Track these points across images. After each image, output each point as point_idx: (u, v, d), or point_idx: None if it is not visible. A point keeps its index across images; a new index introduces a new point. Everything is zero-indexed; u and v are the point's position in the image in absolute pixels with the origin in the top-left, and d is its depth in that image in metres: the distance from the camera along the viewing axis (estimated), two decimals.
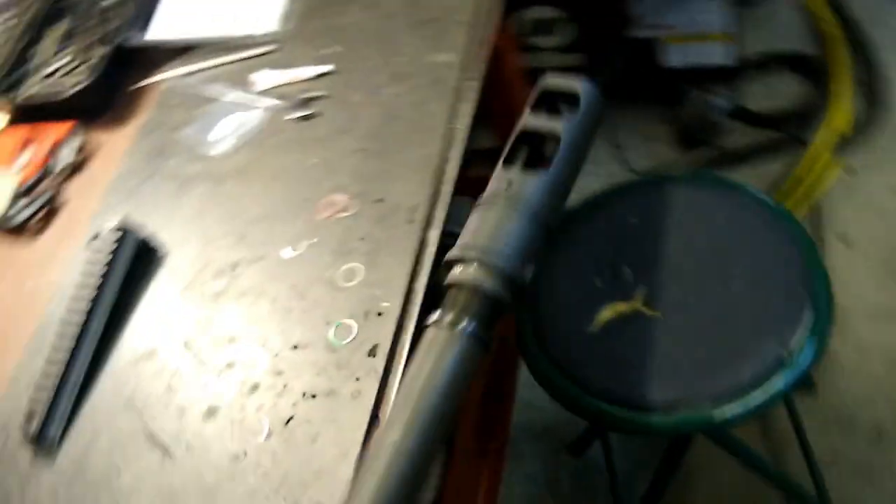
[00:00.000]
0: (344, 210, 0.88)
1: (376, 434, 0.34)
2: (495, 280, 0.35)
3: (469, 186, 1.82)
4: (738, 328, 1.08)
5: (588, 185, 1.95)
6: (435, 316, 0.35)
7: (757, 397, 1.03)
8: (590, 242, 1.24)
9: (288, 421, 0.75)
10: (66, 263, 0.95)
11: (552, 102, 0.39)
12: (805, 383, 1.51)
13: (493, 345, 0.35)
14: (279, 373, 0.80)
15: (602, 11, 1.79)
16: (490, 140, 1.79)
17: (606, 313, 1.18)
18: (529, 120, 0.38)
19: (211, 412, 0.80)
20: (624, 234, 1.24)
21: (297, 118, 0.98)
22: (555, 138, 0.38)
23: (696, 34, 1.85)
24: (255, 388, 0.80)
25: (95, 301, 0.87)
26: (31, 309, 0.94)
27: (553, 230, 0.37)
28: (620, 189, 1.30)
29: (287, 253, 0.87)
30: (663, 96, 1.96)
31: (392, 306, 0.77)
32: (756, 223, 1.16)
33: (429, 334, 0.35)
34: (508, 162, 0.38)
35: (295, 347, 0.81)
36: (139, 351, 0.86)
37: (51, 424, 0.82)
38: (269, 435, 0.77)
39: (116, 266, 0.89)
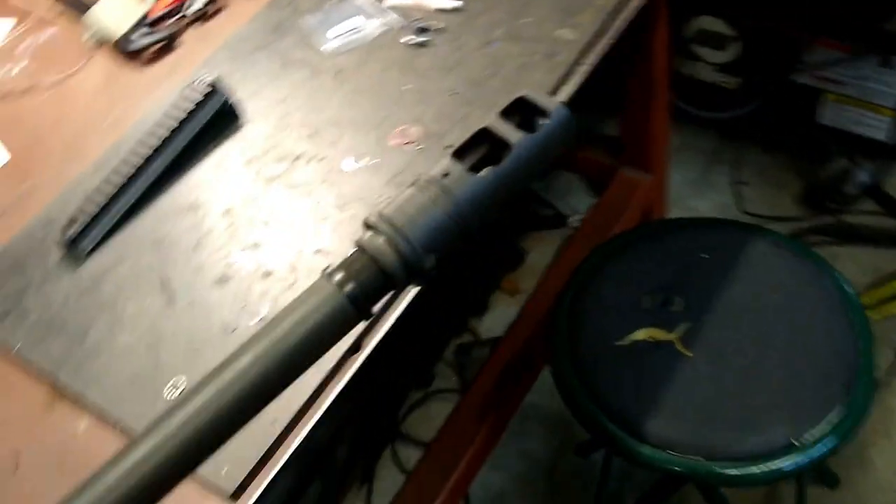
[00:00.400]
0: (414, 143, 0.90)
1: (229, 356, 0.35)
2: (396, 261, 0.36)
3: (579, 166, 1.81)
4: (760, 396, 1.06)
5: (694, 204, 1.91)
6: (330, 268, 0.36)
7: (754, 470, 1.01)
8: (656, 260, 1.23)
9: None
10: (158, 100, 1.00)
11: (528, 114, 0.39)
12: (824, 476, 1.46)
13: (368, 316, 0.36)
14: (294, 269, 0.83)
15: (774, 45, 1.71)
16: (613, 129, 1.77)
17: (641, 334, 1.17)
18: (493, 121, 0.38)
19: (222, 280, 0.84)
20: (691, 267, 1.21)
21: (410, 42, 0.99)
22: (508, 148, 0.38)
23: (862, 100, 1.76)
24: (268, 274, 0.83)
25: (166, 142, 0.91)
26: (113, 129, 1.00)
27: (474, 233, 0.38)
28: (711, 222, 1.27)
29: (348, 163, 0.90)
30: (805, 149, 1.88)
31: None
32: (825, 305, 1.12)
33: (317, 282, 0.36)
34: (458, 155, 0.38)
35: (317, 252, 0.83)
36: (185, 202, 0.91)
37: (86, 236, 0.88)
38: (262, 321, 0.80)
39: (196, 118, 0.93)
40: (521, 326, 1.65)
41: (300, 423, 0.76)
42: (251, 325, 0.80)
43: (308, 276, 0.81)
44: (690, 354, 1.12)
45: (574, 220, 1.95)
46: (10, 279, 0.88)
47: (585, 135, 1.91)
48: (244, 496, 0.72)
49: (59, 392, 0.80)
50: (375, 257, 0.36)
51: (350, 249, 0.82)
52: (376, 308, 0.37)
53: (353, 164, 0.89)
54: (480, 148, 0.38)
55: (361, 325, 0.78)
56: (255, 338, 0.35)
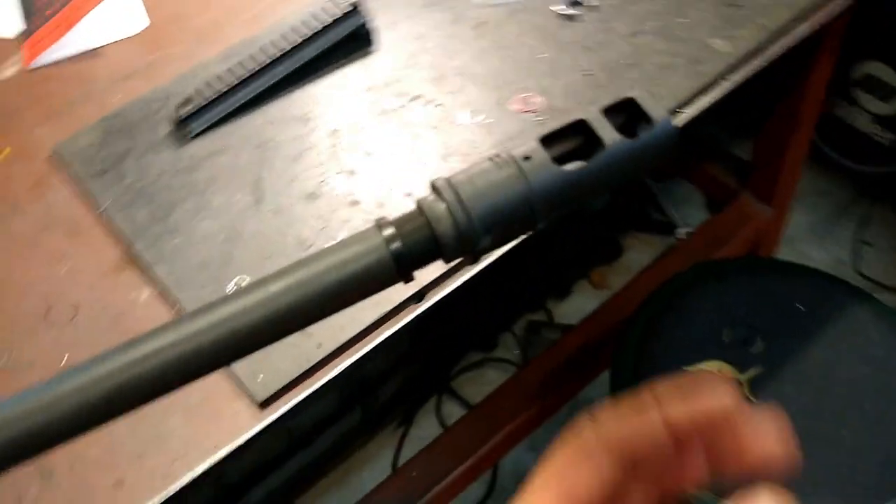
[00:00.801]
0: (534, 113, 0.88)
1: (268, 276, 0.35)
2: (451, 232, 0.34)
3: (701, 179, 1.74)
4: (815, 468, 1.01)
5: (807, 250, 1.83)
6: (383, 220, 0.35)
7: None
8: (749, 296, 1.18)
9: None
10: (299, 7, 1.01)
11: (632, 117, 0.37)
12: None
13: (408, 279, 0.35)
14: (381, 205, 0.82)
15: None
16: (745, 152, 1.70)
17: (711, 365, 1.13)
18: (593, 116, 0.36)
19: (311, 197, 0.84)
20: (783, 313, 1.16)
21: (559, 12, 0.97)
22: (600, 147, 0.36)
23: None
24: (355, 203, 0.83)
25: (295, 49, 0.92)
26: (251, 24, 1.01)
27: (538, 225, 0.36)
28: (819, 274, 1.22)
29: (463, 116, 0.88)
30: None
31: None
32: None
33: (367, 231, 0.35)
34: (546, 141, 0.36)
35: (407, 195, 0.83)
36: (297, 112, 0.91)
37: (196, 119, 0.90)
38: None
39: (331, 33, 0.93)
40: (596, 321, 1.62)
41: (344, 355, 0.76)
42: (324, 246, 0.80)
43: (391, 215, 0.81)
44: (754, 401, 1.08)
45: (681, 232, 1.89)
46: (117, 140, 0.90)
47: (715, 150, 1.84)
48: (272, 407, 0.73)
49: (131, 259, 0.82)
50: (431, 222, 0.34)
51: None
52: (418, 273, 0.36)
53: (468, 119, 0.88)
54: (572, 139, 0.36)
55: (432, 275, 0.78)
56: (291, 268, 0.34)
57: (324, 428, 1.75)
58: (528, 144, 0.35)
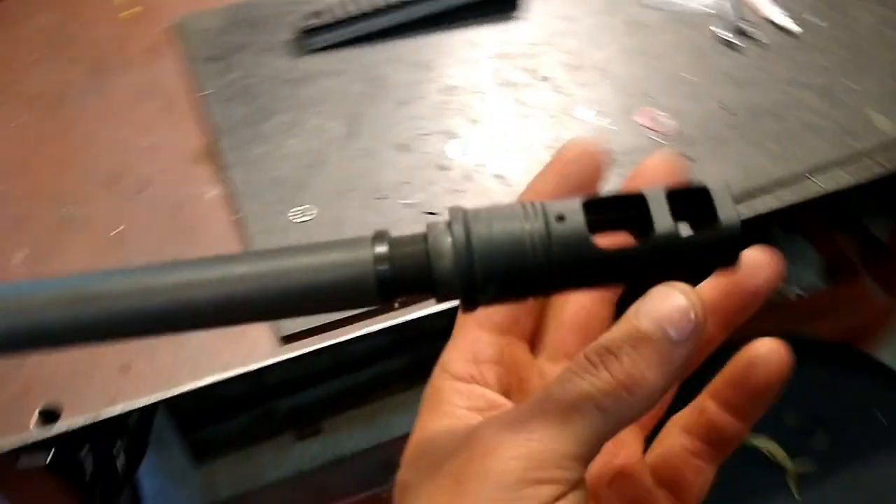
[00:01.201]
0: (658, 133, 0.82)
1: (241, 255, 0.31)
2: (449, 274, 0.30)
3: (823, 242, 1.64)
4: None
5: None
6: (380, 234, 0.31)
7: None
8: (830, 385, 1.10)
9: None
10: None
11: (696, 209, 0.31)
12: None
13: (390, 305, 0.32)
14: (468, 178, 0.79)
15: None
16: (880, 231, 1.58)
17: (762, 442, 1.06)
18: (654, 195, 0.31)
19: (403, 147, 0.81)
20: (859, 416, 1.08)
21: (720, 36, 0.89)
22: (648, 233, 0.31)
23: None
24: (443, 168, 0.80)
25: None
26: None
27: (549, 295, 0.32)
28: None
29: (584, 112, 0.83)
30: None
31: None
32: None
33: (359, 240, 0.31)
34: (590, 205, 0.31)
35: (497, 176, 0.79)
36: (420, 58, 0.88)
37: (320, 35, 0.87)
38: (408, 206, 0.77)
39: None
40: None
41: (383, 315, 0.73)
42: (398, 202, 0.77)
43: (476, 194, 0.77)
44: (798, 499, 1.01)
45: (789, 290, 1.79)
46: (239, 31, 0.89)
47: (847, 217, 1.72)
48: (294, 345, 0.71)
49: (212, 153, 0.81)
50: (430, 255, 0.31)
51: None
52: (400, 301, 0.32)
53: (588, 116, 0.83)
54: (622, 211, 0.32)
55: None
56: (267, 256, 0.31)
57: (372, 361, 1.75)
58: (569, 202, 0.31)
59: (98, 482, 0.78)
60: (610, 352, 0.32)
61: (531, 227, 0.30)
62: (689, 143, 0.81)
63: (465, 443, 0.32)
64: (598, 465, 0.39)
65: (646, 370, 0.31)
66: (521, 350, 0.39)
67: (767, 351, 0.38)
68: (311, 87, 0.85)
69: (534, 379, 0.39)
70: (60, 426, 0.66)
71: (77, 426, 0.66)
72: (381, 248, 0.30)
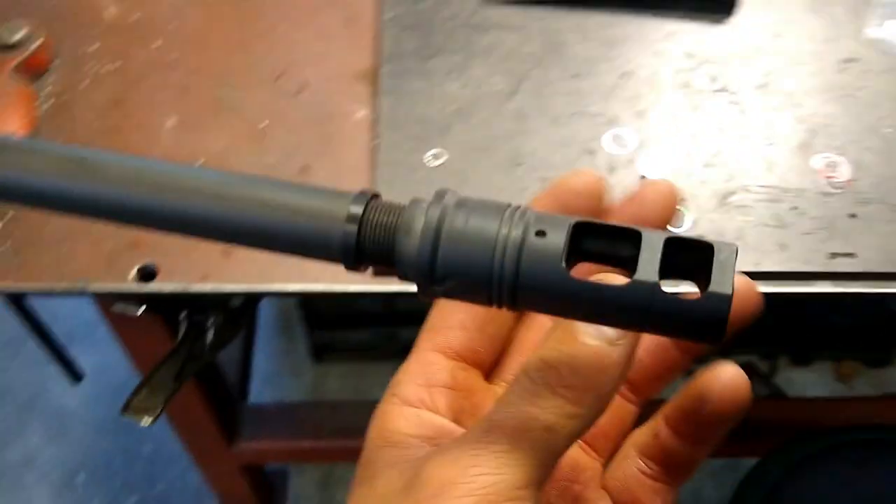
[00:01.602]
0: (827, 178, 0.75)
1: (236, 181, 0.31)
2: (411, 255, 0.29)
3: None
4: None
5: None
6: (361, 195, 0.30)
7: None
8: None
9: None
10: None
11: (694, 266, 0.28)
12: None
13: (354, 267, 0.31)
14: (612, 171, 0.75)
15: None
16: None
17: None
18: (652, 237, 0.28)
19: (556, 122, 0.78)
20: None
21: None
22: (630, 274, 0.28)
23: None
24: (591, 152, 0.77)
25: None
26: None
27: (502, 307, 0.29)
28: None
29: (753, 135, 0.77)
30: None
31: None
32: None
33: (340, 195, 0.30)
34: (580, 229, 0.29)
35: (642, 178, 0.75)
36: (607, 34, 0.84)
37: None
38: (539, 178, 0.75)
39: None
40: (804, 410, 1.46)
41: None
42: (533, 174, 0.75)
43: (613, 188, 0.74)
44: None
45: None
46: None
47: None
48: (387, 280, 0.72)
49: (373, 76, 0.81)
50: (399, 230, 0.29)
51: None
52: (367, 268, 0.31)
53: (758, 141, 0.77)
54: (613, 244, 0.29)
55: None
56: (252, 181, 0.30)
57: None
58: (559, 219, 0.28)
59: (184, 348, 0.83)
60: (549, 366, 0.30)
61: (507, 232, 0.28)
62: (860, 200, 0.74)
63: (412, 483, 0.30)
64: (555, 491, 0.37)
65: (588, 378, 0.30)
66: (476, 377, 0.38)
67: (722, 386, 0.35)
68: (487, 37, 0.83)
69: (487, 404, 0.37)
70: (151, 287, 0.70)
71: (165, 291, 0.70)
72: (356, 209, 0.29)
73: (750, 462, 1.37)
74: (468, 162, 0.76)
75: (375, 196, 0.31)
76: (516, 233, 0.28)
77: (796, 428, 1.36)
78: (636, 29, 0.85)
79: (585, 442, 0.39)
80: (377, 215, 0.30)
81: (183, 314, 0.84)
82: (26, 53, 0.81)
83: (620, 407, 0.39)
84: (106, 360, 1.57)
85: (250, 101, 0.81)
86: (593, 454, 0.39)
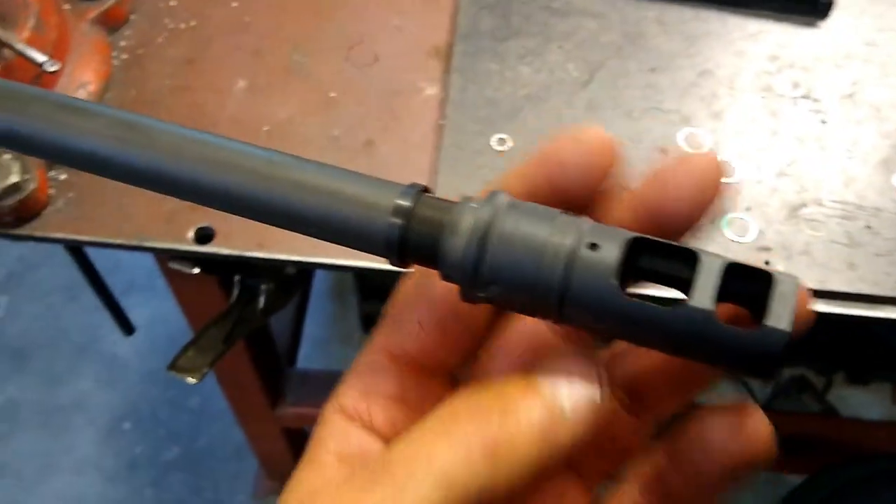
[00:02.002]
0: None
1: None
2: (455, 258, 0.27)
3: None
4: None
5: None
6: (413, 190, 0.29)
7: None
8: None
9: None
10: None
11: (753, 294, 0.26)
12: None
13: (399, 263, 0.29)
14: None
15: None
16: None
17: None
18: (710, 261, 0.26)
19: (631, 116, 0.76)
20: None
21: None
22: (684, 297, 0.26)
23: None
24: (663, 151, 0.74)
25: None
26: None
27: (553, 320, 0.28)
28: None
29: (838, 150, 0.74)
30: None
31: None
32: None
33: (391, 186, 0.29)
34: (636, 245, 0.27)
35: None
36: (690, 30, 0.81)
37: None
38: None
39: None
40: (856, 430, 1.42)
41: None
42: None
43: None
44: None
45: None
46: None
47: None
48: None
49: (445, 53, 0.80)
50: (446, 230, 0.28)
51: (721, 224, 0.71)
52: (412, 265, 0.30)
53: (838, 154, 0.74)
54: (662, 261, 0.27)
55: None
56: (296, 166, 0.29)
57: None
58: (614, 234, 0.27)
59: (235, 311, 0.83)
60: (482, 407, 0.26)
61: (557, 243, 0.27)
62: None
63: None
64: None
65: (520, 441, 0.26)
66: (435, 385, 0.32)
67: (725, 437, 0.28)
68: (566, 22, 0.82)
69: None
70: (207, 249, 0.70)
71: (220, 254, 0.70)
72: (404, 202, 0.28)
73: (792, 479, 1.34)
74: (534, 150, 0.74)
75: (425, 190, 0.29)
76: (568, 242, 0.27)
77: (847, 449, 1.33)
78: (719, 26, 0.82)
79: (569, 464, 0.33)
80: (425, 210, 0.28)
81: (237, 278, 0.84)
82: (106, 5, 0.81)
83: (620, 422, 0.33)
84: (162, 311, 1.60)
85: (321, 70, 0.80)
86: (583, 481, 0.33)
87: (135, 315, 1.74)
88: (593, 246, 0.26)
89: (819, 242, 0.69)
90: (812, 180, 0.72)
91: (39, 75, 0.73)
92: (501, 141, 0.75)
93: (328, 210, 0.29)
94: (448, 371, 0.32)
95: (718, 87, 0.78)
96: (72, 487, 1.60)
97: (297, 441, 1.49)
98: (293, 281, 0.86)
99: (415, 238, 0.28)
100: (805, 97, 0.77)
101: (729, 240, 0.70)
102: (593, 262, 0.26)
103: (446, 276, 0.28)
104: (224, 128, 0.76)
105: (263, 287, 0.84)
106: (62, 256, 0.87)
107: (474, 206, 0.28)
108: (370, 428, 0.30)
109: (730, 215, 0.71)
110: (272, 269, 0.83)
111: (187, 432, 1.67)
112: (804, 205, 0.71)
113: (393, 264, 0.29)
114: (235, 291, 0.84)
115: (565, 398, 0.27)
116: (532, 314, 0.28)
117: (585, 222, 0.27)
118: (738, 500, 1.53)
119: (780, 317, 0.25)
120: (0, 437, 1.66)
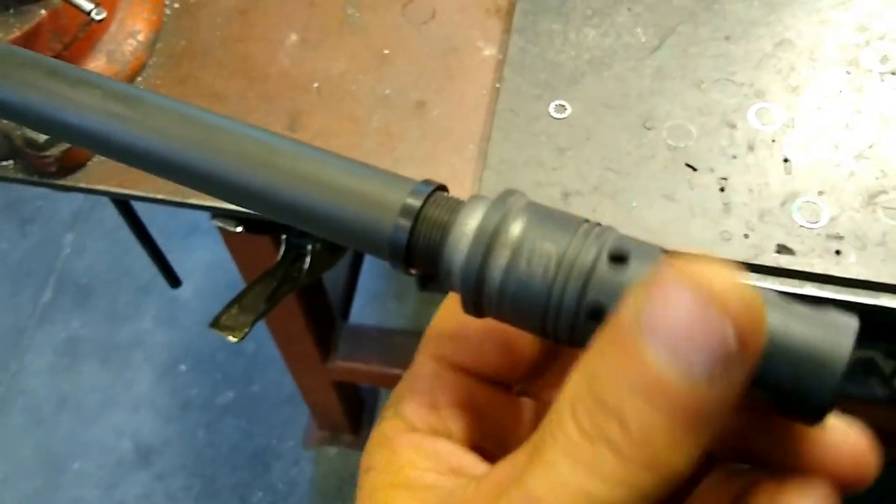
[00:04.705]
0: None
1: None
2: (459, 266, 0.25)
3: None
4: None
5: None
6: (433, 188, 0.26)
7: None
8: None
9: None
10: None
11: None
12: None
13: (403, 269, 0.26)
14: (750, 149, 0.68)
15: None
16: None
17: None
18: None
19: (699, 86, 0.72)
20: None
21: None
22: None
23: None
24: (732, 125, 0.70)
25: None
26: None
27: (559, 341, 0.25)
28: None
29: None
30: None
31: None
32: None
33: (401, 183, 0.26)
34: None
35: (785, 171, 0.68)
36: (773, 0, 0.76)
37: None
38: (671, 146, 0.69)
39: None
40: None
41: None
42: (664, 139, 0.69)
43: (748, 168, 0.67)
44: None
45: None
46: None
47: None
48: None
49: (504, 13, 0.76)
50: (450, 229, 0.25)
51: (790, 208, 0.65)
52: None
53: None
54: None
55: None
56: (302, 156, 0.27)
57: None
58: (645, 248, 0.23)
59: (280, 271, 0.82)
60: (606, 407, 0.22)
61: (577, 253, 0.23)
62: None
63: None
64: None
65: (667, 435, 0.21)
66: (495, 390, 0.30)
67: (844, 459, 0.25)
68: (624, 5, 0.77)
69: (514, 427, 0.30)
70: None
71: (252, 214, 0.68)
72: (414, 202, 0.25)
73: None
74: (594, 118, 0.70)
75: (441, 188, 0.26)
76: (587, 255, 0.23)
77: None
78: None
79: None
80: (435, 211, 0.25)
81: (283, 237, 0.83)
82: None
83: None
84: (223, 255, 1.61)
85: (376, 25, 0.77)
86: None
87: (196, 258, 1.76)
88: (617, 259, 0.23)
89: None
90: (894, 165, 0.67)
91: (87, 23, 0.72)
92: (560, 108, 0.71)
93: (330, 206, 0.26)
94: (510, 373, 0.30)
95: (798, 59, 0.72)
96: (128, 423, 1.64)
97: (348, 394, 1.49)
98: (332, 243, 0.84)
99: (422, 242, 0.25)
100: (895, 73, 0.71)
101: (798, 225, 0.65)
102: (615, 280, 0.23)
103: (448, 285, 0.25)
104: (273, 83, 0.74)
105: (310, 247, 0.82)
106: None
107: (484, 205, 0.25)
108: (449, 438, 0.28)
109: (801, 199, 0.66)
110: None
111: (242, 377, 1.68)
112: (884, 191, 0.66)
113: (400, 270, 0.26)
114: (281, 250, 0.83)
115: (696, 357, 0.21)
116: (542, 335, 0.25)
117: (612, 232, 0.24)
118: None
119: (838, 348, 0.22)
120: (63, 369, 1.70)
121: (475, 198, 0.25)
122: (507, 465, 0.24)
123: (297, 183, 0.26)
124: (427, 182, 0.26)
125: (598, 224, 0.24)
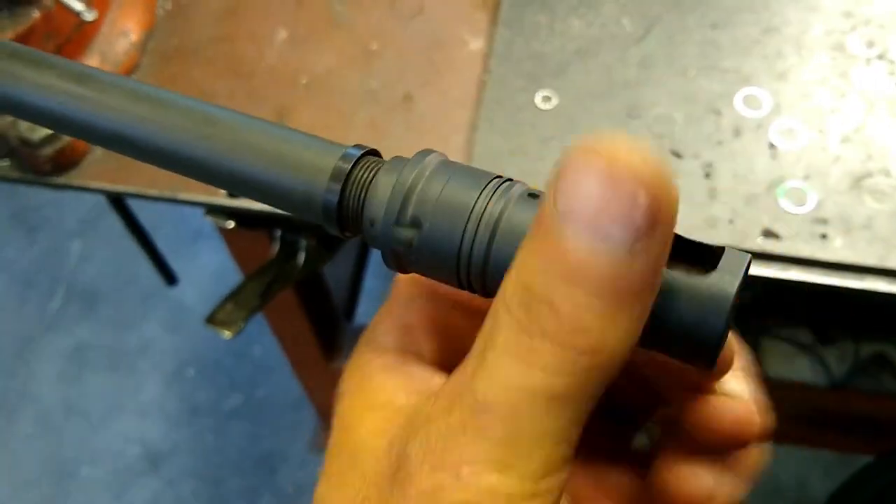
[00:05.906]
0: None
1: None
2: (380, 224, 0.25)
3: None
4: None
5: None
6: (358, 153, 0.26)
7: None
8: None
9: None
10: None
11: (700, 258, 0.23)
12: None
13: (339, 233, 0.27)
14: (737, 133, 0.69)
15: None
16: None
17: None
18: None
19: (685, 74, 0.72)
20: None
21: None
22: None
23: None
24: (717, 113, 0.70)
25: None
26: None
27: (475, 291, 0.25)
28: None
29: None
30: None
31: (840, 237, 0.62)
32: None
33: (332, 149, 0.26)
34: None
35: (770, 148, 0.68)
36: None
37: None
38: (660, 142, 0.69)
39: None
40: None
41: None
42: (649, 127, 0.69)
43: (734, 154, 0.67)
44: None
45: None
46: None
47: None
48: None
49: (490, 6, 0.77)
50: (370, 189, 0.25)
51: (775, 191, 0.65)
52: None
53: None
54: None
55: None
56: (238, 124, 0.27)
57: None
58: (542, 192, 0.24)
59: (274, 266, 0.82)
60: (540, 300, 0.21)
61: (485, 205, 0.24)
62: None
63: (399, 473, 0.24)
64: None
65: (598, 315, 0.21)
66: (474, 315, 0.29)
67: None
68: None
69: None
70: (239, 203, 0.69)
71: (252, 209, 0.69)
72: (344, 165, 0.26)
73: (865, 461, 1.28)
74: (580, 108, 0.71)
75: (372, 152, 0.27)
76: (496, 207, 0.24)
77: None
78: None
79: None
80: (364, 174, 0.26)
81: (278, 233, 0.83)
82: None
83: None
84: (229, 261, 1.62)
85: (363, 20, 0.77)
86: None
87: (201, 262, 1.77)
88: (531, 196, 0.24)
89: (883, 216, 0.64)
90: (880, 149, 0.67)
91: (80, 24, 0.72)
92: (546, 98, 0.71)
93: (264, 172, 0.26)
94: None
95: (784, 46, 0.73)
96: (136, 429, 1.65)
97: None
98: (334, 237, 0.84)
99: (351, 203, 0.26)
100: (880, 58, 0.71)
101: (784, 210, 0.65)
102: (520, 225, 0.23)
103: (372, 243, 0.26)
104: (261, 79, 0.75)
105: (304, 242, 0.82)
106: (135, 203, 0.87)
107: (400, 165, 0.25)
108: (421, 359, 0.29)
109: (787, 184, 0.66)
110: (311, 224, 0.81)
111: (249, 382, 1.69)
112: (869, 174, 0.66)
113: (334, 233, 0.27)
114: (275, 246, 0.83)
115: (616, 232, 0.21)
116: (457, 286, 0.25)
117: (521, 186, 0.25)
118: (804, 475, 1.47)
119: (727, 280, 0.22)
120: (71, 376, 1.71)
121: (395, 158, 0.26)
122: (458, 375, 0.24)
123: (235, 151, 0.27)
124: (358, 146, 0.26)
125: (510, 179, 0.25)
